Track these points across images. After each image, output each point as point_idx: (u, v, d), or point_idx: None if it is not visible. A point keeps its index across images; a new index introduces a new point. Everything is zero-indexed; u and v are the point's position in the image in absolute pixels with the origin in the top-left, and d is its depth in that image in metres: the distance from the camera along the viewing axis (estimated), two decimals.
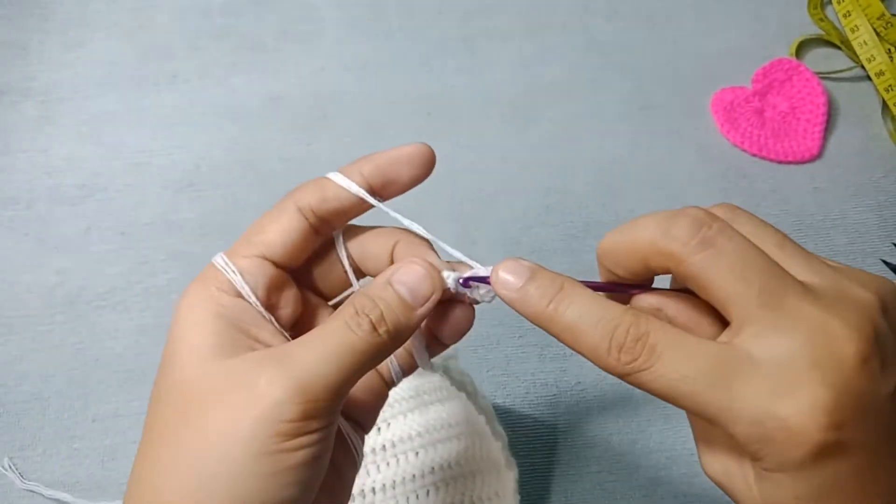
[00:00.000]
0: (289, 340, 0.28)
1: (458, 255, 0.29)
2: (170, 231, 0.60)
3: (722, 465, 0.26)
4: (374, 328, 0.26)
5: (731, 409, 0.23)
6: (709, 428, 0.27)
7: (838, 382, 0.22)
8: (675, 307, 0.27)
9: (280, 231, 0.28)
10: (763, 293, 0.23)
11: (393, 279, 0.27)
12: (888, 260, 0.61)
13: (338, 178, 0.29)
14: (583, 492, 0.53)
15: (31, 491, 0.51)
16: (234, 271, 0.27)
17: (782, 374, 0.23)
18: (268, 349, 0.26)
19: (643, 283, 0.28)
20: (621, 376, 0.25)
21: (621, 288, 0.28)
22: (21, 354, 0.55)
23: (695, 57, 0.70)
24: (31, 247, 0.59)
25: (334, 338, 0.25)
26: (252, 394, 0.24)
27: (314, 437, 0.25)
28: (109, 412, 0.54)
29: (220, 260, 0.28)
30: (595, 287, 0.27)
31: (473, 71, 0.68)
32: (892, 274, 0.60)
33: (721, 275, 0.24)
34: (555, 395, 0.55)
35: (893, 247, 0.62)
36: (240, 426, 0.24)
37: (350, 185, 0.28)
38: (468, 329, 0.30)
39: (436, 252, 0.30)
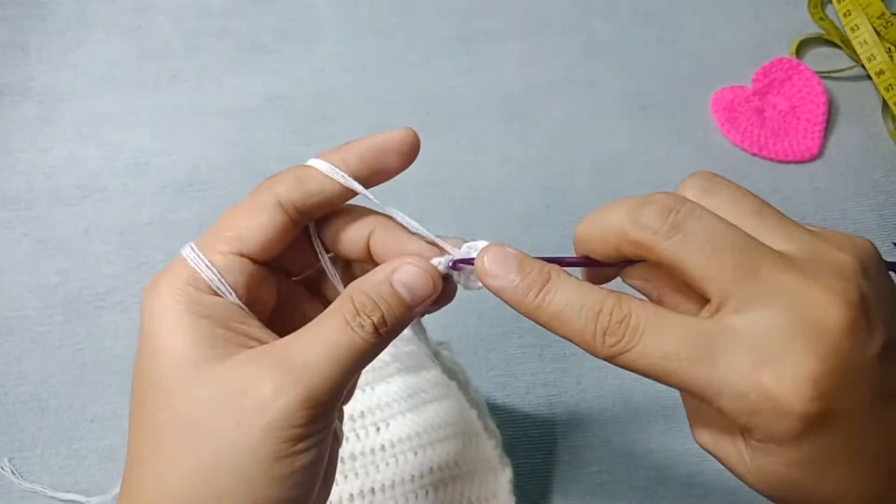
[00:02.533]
0: (273, 333, 0.27)
1: (431, 236, 0.28)
2: (169, 231, 0.60)
3: (712, 437, 0.26)
4: (376, 329, 0.25)
5: (715, 384, 0.23)
6: (698, 402, 0.27)
7: (822, 350, 0.22)
8: (663, 277, 0.27)
9: (259, 227, 0.27)
10: (738, 269, 0.23)
11: (394, 279, 0.26)
12: (889, 260, 0.61)
13: (322, 165, 0.28)
14: (583, 492, 0.53)
15: (31, 491, 0.51)
16: (210, 268, 0.26)
17: (764, 345, 0.22)
18: (263, 347, 0.25)
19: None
20: (608, 358, 0.25)
21: (609, 263, 0.28)
22: (20, 355, 0.55)
23: (695, 56, 0.69)
24: (31, 247, 0.59)
25: (336, 338, 0.25)
26: (258, 402, 0.23)
27: (320, 436, 0.25)
28: (108, 413, 0.54)
29: (191, 254, 0.26)
30: (586, 263, 0.28)
31: (473, 71, 0.68)
32: (894, 274, 0.60)
33: (693, 257, 0.24)
34: (555, 395, 0.55)
35: (894, 246, 0.62)
36: (248, 434, 0.23)
37: (343, 178, 0.27)
38: (450, 301, 0.29)
39: (418, 238, 0.29)
